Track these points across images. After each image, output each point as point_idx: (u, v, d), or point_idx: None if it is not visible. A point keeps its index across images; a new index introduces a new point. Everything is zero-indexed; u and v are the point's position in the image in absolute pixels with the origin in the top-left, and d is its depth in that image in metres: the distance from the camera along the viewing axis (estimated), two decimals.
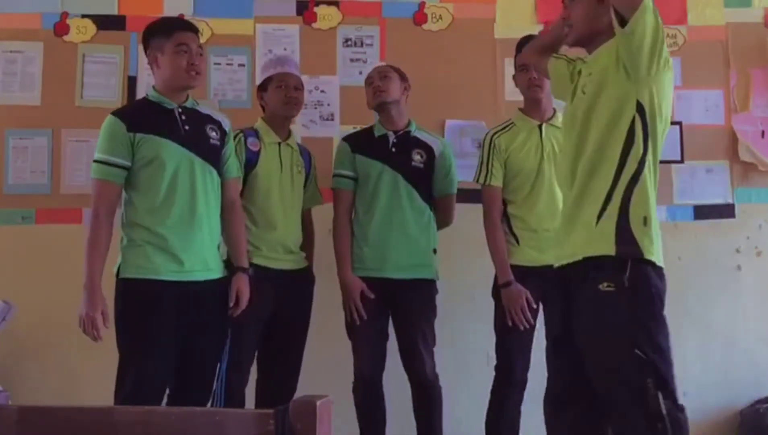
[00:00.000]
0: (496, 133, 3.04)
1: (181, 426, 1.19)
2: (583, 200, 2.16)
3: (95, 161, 2.57)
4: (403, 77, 3.16)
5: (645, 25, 2.03)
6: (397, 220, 3.05)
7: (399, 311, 3.06)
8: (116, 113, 2.62)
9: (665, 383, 2.01)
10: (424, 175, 3.11)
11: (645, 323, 2.04)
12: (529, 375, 2.94)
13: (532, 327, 2.91)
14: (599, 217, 2.10)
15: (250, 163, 2.95)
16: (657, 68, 2.09)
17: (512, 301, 2.87)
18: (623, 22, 2.06)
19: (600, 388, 2.10)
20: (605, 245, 2.08)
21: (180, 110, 2.65)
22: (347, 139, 3.21)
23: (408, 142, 3.13)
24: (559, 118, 3.03)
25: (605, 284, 2.05)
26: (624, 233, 2.07)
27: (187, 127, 2.64)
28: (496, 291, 3.01)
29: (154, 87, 2.70)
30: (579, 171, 2.17)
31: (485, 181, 2.99)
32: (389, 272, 3.03)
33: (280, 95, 3.01)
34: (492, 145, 3.00)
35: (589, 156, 2.15)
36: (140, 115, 2.60)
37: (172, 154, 2.57)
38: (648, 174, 2.11)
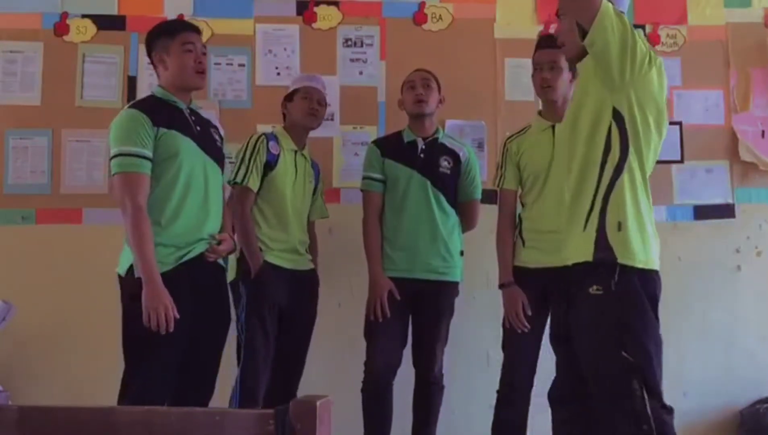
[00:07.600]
0: (510, 137, 3.09)
1: (181, 426, 1.19)
2: (575, 206, 2.21)
3: (124, 155, 2.49)
4: (440, 88, 3.21)
5: (605, 34, 2.04)
6: (425, 224, 3.12)
7: (422, 311, 3.10)
8: (137, 107, 2.58)
9: (651, 385, 2.04)
10: (450, 181, 3.18)
11: (632, 326, 2.08)
12: (535, 375, 2.91)
13: (538, 333, 2.87)
14: (585, 223, 2.16)
15: (270, 164, 3.02)
16: (632, 72, 2.10)
17: (509, 304, 2.89)
18: (586, 34, 2.08)
19: (592, 388, 2.14)
20: (586, 252, 2.14)
21: (189, 111, 2.66)
22: (377, 143, 3.28)
23: (436, 148, 3.19)
24: None
25: (594, 288, 2.11)
26: (601, 239, 2.12)
27: (198, 128, 2.65)
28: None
29: (160, 86, 2.67)
30: (572, 178, 2.23)
31: (499, 184, 3.06)
32: (418, 273, 3.09)
33: (304, 106, 3.11)
34: (506, 149, 3.06)
35: (578, 164, 2.20)
36: (158, 110, 2.58)
37: (190, 151, 2.58)
38: (627, 179, 2.13)
